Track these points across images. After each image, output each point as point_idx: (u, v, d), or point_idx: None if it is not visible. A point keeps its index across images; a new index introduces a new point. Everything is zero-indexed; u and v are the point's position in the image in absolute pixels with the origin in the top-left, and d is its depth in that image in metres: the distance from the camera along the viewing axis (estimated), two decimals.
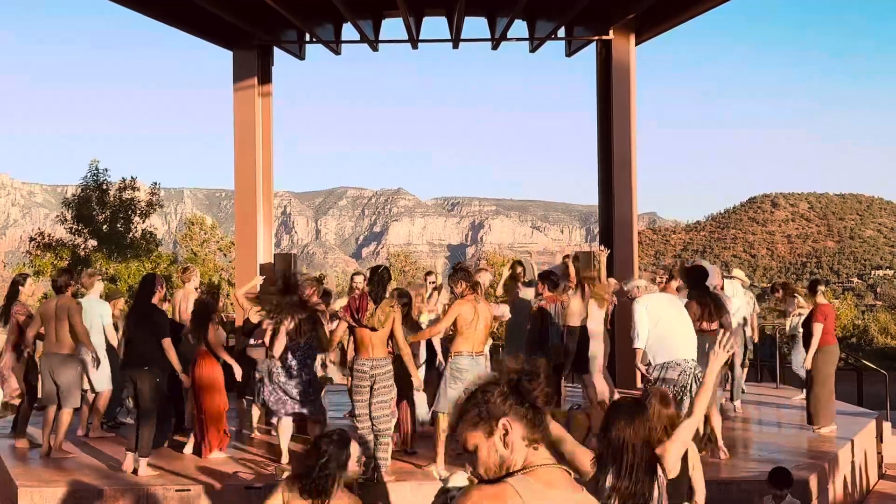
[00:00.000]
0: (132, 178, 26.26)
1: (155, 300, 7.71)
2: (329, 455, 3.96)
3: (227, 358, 8.05)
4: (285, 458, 7.66)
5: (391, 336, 7.20)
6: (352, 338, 7.51)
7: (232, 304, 9.12)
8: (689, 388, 7.07)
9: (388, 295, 7.33)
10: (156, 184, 27.06)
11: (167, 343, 7.54)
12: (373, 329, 7.09)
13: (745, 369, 11.56)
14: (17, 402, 8.85)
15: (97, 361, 8.56)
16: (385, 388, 7.14)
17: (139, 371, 7.48)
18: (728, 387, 11.57)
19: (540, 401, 2.20)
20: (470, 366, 7.30)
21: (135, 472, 7.35)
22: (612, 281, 10.08)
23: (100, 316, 8.94)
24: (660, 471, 3.77)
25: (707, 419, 7.67)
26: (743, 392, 10.61)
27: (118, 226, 25.49)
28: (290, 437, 7.74)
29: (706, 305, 8.00)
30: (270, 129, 13.37)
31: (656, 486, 3.73)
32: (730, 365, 10.56)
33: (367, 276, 7.74)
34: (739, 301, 10.40)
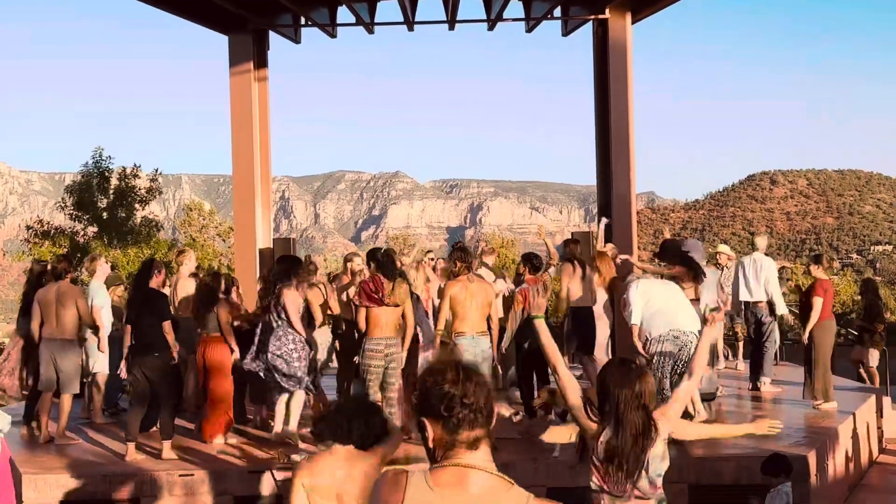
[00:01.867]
0: (135, 165, 26.29)
1: (153, 284, 7.70)
2: (344, 405, 3.71)
3: (231, 342, 8.06)
4: (278, 426, 7.72)
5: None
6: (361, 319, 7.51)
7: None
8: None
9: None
10: (156, 170, 27.00)
11: (168, 326, 7.54)
12: (395, 305, 7.23)
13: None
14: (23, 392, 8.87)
15: (99, 342, 8.68)
16: (395, 369, 7.24)
17: (149, 358, 7.47)
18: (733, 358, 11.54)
19: (446, 410, 2.20)
20: (470, 345, 7.36)
21: (158, 455, 7.40)
22: (611, 246, 10.00)
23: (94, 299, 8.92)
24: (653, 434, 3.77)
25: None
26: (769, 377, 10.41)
27: (119, 213, 25.50)
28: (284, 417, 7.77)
29: (690, 268, 8.06)
30: (267, 114, 13.31)
31: (650, 450, 3.73)
32: (763, 339, 10.27)
33: (367, 258, 7.83)
34: (768, 273, 10.23)
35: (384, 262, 7.40)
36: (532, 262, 8.94)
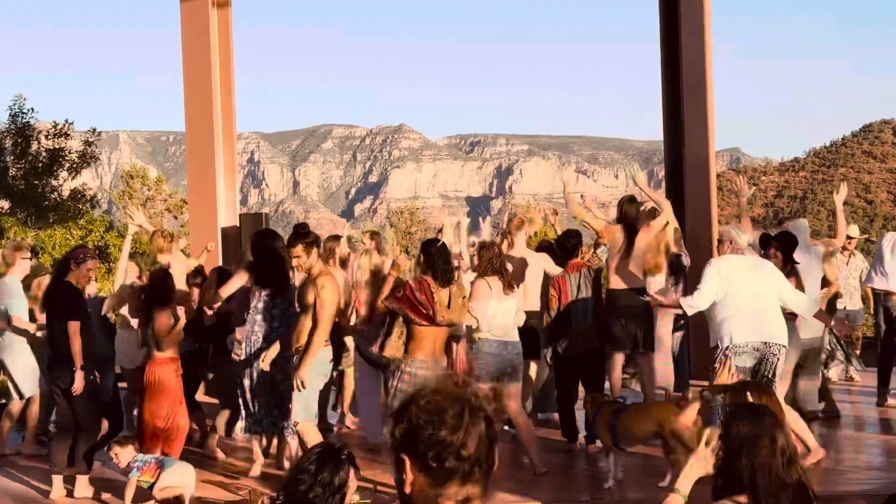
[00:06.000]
0: (67, 122, 26.32)
1: (72, 278, 7.62)
2: (304, 471, 3.64)
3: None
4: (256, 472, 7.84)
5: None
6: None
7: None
8: (768, 380, 7.13)
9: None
10: (94, 130, 27.09)
11: (73, 328, 7.43)
12: (450, 325, 7.00)
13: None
14: None
15: None
16: None
17: (66, 373, 7.48)
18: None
19: (434, 460, 2.19)
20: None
21: (70, 494, 7.48)
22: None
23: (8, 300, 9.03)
24: None
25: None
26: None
27: (41, 182, 25.62)
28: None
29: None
30: (230, 50, 13.30)
31: None
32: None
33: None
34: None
35: (432, 257, 7.07)
36: (563, 242, 8.81)
